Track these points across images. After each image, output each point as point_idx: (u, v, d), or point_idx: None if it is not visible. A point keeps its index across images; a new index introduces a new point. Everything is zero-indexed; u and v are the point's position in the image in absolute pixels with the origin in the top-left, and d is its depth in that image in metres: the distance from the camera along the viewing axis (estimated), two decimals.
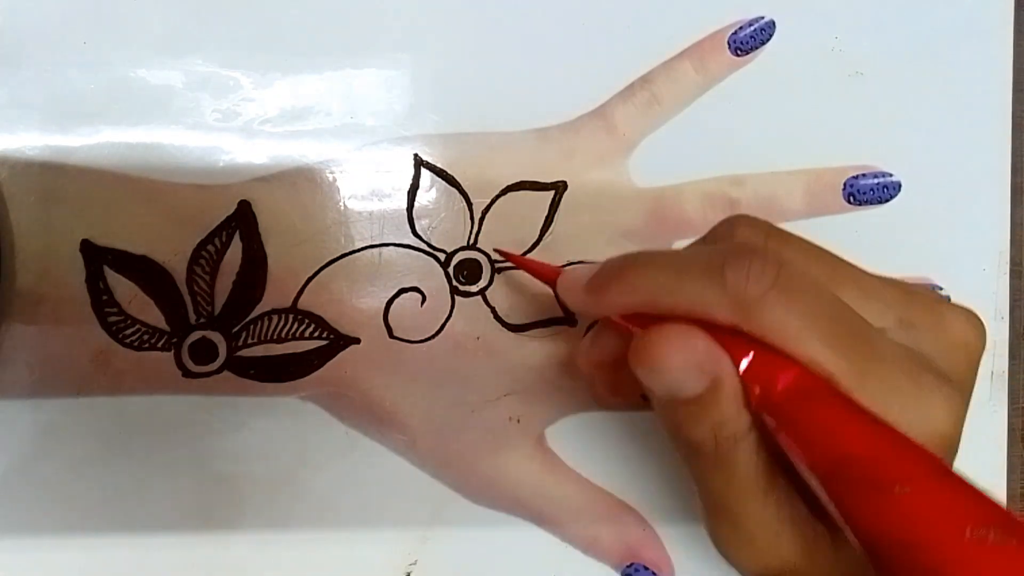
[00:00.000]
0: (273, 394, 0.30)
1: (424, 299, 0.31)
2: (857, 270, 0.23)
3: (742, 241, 0.22)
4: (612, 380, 0.26)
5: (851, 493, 0.19)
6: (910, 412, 0.20)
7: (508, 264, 0.31)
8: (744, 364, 0.21)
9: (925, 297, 0.23)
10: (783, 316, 0.20)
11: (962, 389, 0.22)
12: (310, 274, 0.30)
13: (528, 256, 0.31)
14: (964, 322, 0.23)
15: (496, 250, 0.31)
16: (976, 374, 0.23)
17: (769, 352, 0.20)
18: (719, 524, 0.23)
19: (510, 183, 0.31)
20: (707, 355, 0.21)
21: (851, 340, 0.20)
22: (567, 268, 0.26)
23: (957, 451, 0.22)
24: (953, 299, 0.32)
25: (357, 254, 0.30)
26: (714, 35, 0.32)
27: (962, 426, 0.22)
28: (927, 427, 0.20)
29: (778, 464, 0.22)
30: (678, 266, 0.21)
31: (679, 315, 0.21)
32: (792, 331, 0.20)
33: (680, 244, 0.32)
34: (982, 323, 0.23)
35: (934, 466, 0.18)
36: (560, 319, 0.31)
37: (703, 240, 0.25)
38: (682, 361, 0.21)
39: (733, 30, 0.32)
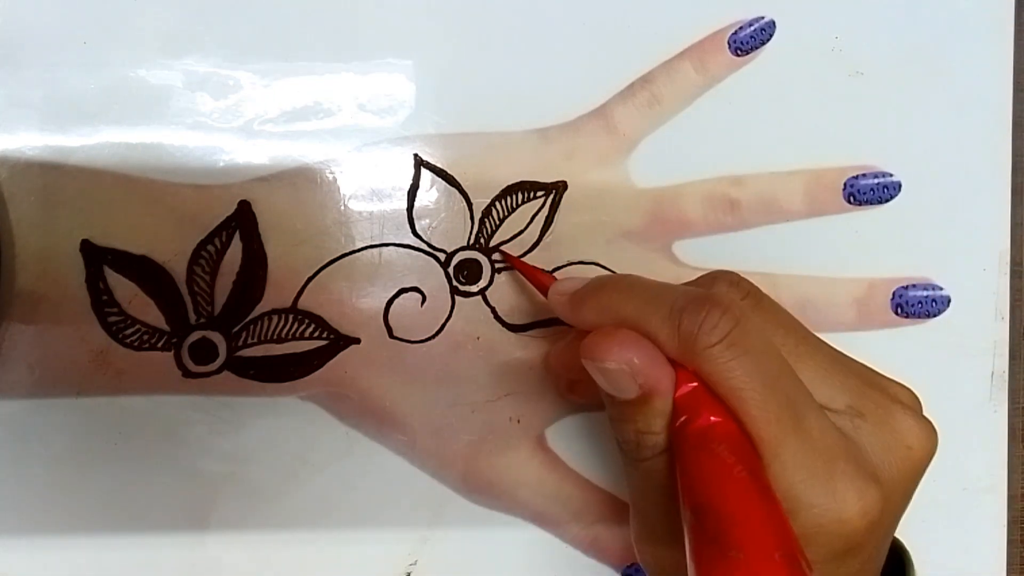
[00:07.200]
0: (273, 394, 0.30)
1: (424, 299, 0.31)
2: (827, 351, 0.24)
3: (713, 292, 0.23)
4: (573, 380, 0.30)
5: (699, 540, 0.20)
6: (816, 494, 0.21)
7: (508, 264, 0.31)
8: (684, 391, 0.22)
9: (885, 394, 0.24)
10: (723, 370, 0.22)
11: (890, 488, 0.22)
12: (310, 274, 0.30)
13: (527, 256, 0.31)
14: (914, 427, 0.23)
15: (500, 251, 0.31)
16: (916, 480, 0.24)
17: (710, 394, 0.22)
18: (633, 513, 0.25)
19: (510, 183, 0.31)
20: (645, 367, 0.22)
21: (781, 411, 0.21)
22: (560, 279, 0.28)
23: (881, 544, 0.23)
24: (953, 299, 0.33)
25: (357, 254, 0.30)
26: (714, 35, 0.32)
27: (883, 523, 0.22)
28: (830, 513, 0.21)
29: None
30: (648, 299, 0.23)
31: None
32: (728, 386, 0.21)
33: (680, 244, 0.32)
34: (934, 435, 0.24)
35: (781, 548, 0.19)
36: (560, 319, 0.31)
37: (691, 283, 0.26)
38: (617, 365, 0.22)
39: (733, 30, 0.32)
